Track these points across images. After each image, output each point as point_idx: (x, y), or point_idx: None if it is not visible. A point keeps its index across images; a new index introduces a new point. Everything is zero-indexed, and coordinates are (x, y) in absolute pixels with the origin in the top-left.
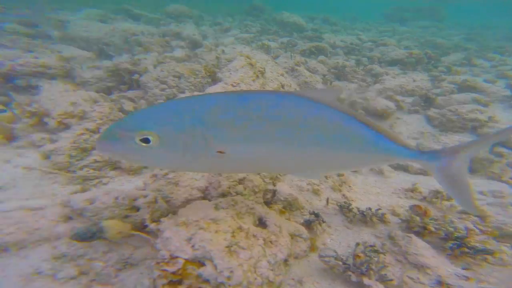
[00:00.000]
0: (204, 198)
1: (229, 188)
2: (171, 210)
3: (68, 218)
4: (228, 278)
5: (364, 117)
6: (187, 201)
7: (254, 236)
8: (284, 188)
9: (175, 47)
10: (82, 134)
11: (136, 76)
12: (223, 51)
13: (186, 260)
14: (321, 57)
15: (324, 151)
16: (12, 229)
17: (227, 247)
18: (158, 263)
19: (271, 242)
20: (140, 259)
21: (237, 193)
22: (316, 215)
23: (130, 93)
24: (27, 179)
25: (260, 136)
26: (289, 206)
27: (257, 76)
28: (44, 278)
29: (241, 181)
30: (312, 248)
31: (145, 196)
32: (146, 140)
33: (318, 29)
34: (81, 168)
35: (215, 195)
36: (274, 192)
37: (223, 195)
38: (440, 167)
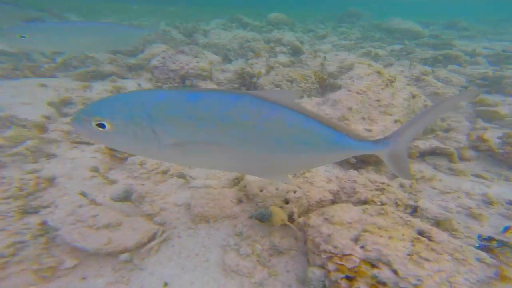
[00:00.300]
0: (334, 201)
1: (372, 196)
2: (308, 207)
3: (239, 201)
4: (416, 286)
5: (323, 117)
6: (320, 201)
7: (434, 249)
8: (428, 205)
9: (278, 53)
10: None
11: (254, 79)
12: (325, 57)
13: (362, 260)
14: (452, 66)
15: (284, 153)
16: (212, 205)
17: (408, 255)
18: (330, 257)
19: (458, 259)
20: (286, 248)
21: (381, 203)
22: (500, 241)
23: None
24: None
25: (209, 135)
26: (436, 225)
27: (386, 85)
28: (232, 252)
29: (382, 191)
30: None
31: (294, 191)
32: (102, 125)
33: (439, 35)
34: None
35: (346, 199)
36: (415, 208)
37: (364, 202)
38: (390, 152)
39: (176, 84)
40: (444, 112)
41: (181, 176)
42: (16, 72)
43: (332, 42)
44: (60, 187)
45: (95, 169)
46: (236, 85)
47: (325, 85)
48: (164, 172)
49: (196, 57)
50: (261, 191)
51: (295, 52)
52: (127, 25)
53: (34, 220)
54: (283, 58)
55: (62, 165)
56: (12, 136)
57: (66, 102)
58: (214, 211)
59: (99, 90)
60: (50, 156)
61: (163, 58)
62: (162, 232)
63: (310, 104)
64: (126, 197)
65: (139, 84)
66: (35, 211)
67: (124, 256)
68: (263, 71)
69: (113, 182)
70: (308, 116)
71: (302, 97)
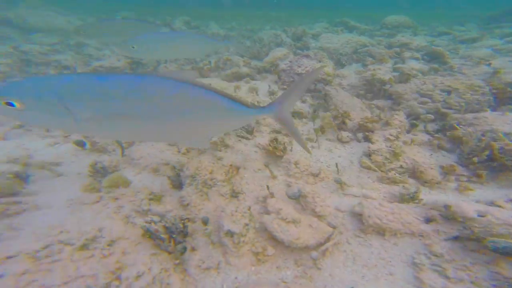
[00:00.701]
0: None
1: None
2: None
3: (428, 220)
4: None
5: (220, 90)
6: None
7: None
8: None
9: (407, 59)
10: (394, 140)
11: (386, 87)
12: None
13: None
14: None
15: (192, 120)
16: (391, 218)
17: None
18: None
19: None
20: None
21: None
22: None
23: (379, 102)
24: (350, 170)
25: (119, 110)
26: None
27: None
28: (432, 272)
29: None
30: None
31: None
32: (12, 104)
33: None
34: (389, 171)
35: None
36: None
37: None
38: (275, 115)
39: None
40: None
41: (338, 181)
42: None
43: (493, 46)
44: (241, 175)
45: (266, 164)
46: (361, 91)
47: (505, 98)
48: (315, 175)
49: (320, 61)
50: (482, 216)
51: (434, 57)
52: (207, 35)
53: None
54: (417, 65)
55: (235, 155)
56: None
57: None
58: (394, 225)
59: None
60: (226, 146)
61: (290, 62)
62: (335, 235)
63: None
64: (299, 195)
65: (269, 86)
66: (236, 195)
67: (314, 254)
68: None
69: (274, 178)
70: (208, 89)
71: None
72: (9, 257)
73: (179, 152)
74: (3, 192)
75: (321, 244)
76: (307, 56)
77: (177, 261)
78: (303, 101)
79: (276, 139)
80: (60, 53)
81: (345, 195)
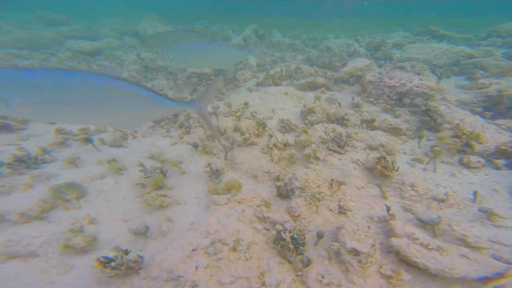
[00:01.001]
0: None
1: None
2: None
3: None
4: None
5: (144, 84)
6: None
7: None
8: None
9: None
10: None
11: None
12: None
13: None
14: None
15: (116, 109)
16: None
17: None
18: None
19: None
20: None
21: None
22: None
23: (508, 123)
24: (495, 200)
25: (47, 99)
26: None
27: None
28: None
29: None
30: None
31: None
32: None
33: None
34: None
35: None
36: None
37: None
38: (197, 110)
39: (391, 102)
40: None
41: (486, 211)
42: (266, 81)
43: None
44: (342, 191)
45: (379, 184)
46: (477, 109)
47: None
48: (440, 200)
49: (418, 74)
50: None
51: None
52: (232, 46)
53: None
54: None
55: (329, 170)
56: (301, 140)
57: (311, 111)
58: None
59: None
60: (316, 159)
61: (380, 73)
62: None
63: None
64: (438, 221)
65: (352, 98)
66: (343, 212)
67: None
68: None
69: (386, 198)
70: (133, 83)
71: None
72: (194, 250)
73: (272, 160)
74: (157, 186)
75: (489, 280)
76: (401, 67)
77: (299, 273)
78: (396, 116)
79: (384, 158)
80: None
81: (497, 227)
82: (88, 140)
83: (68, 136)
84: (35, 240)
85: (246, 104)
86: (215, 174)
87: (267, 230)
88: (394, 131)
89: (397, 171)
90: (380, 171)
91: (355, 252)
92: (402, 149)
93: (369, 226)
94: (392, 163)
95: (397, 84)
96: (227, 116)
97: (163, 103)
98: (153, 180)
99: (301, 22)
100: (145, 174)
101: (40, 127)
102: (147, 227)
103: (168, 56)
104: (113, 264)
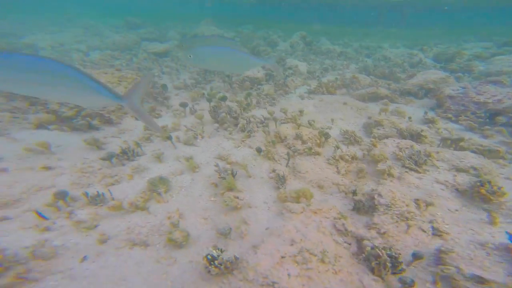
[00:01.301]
0: None
1: None
2: None
3: None
4: None
5: (92, 75)
6: None
7: None
8: None
9: None
10: None
11: None
12: None
13: None
14: None
15: (60, 89)
16: None
17: None
18: None
19: None
20: None
21: None
22: None
23: None
24: None
25: (21, 76)
26: None
27: None
28: None
29: None
30: None
31: None
32: None
33: None
34: None
35: None
36: None
37: None
38: (127, 104)
39: (480, 119)
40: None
41: None
42: (320, 89)
43: None
44: (431, 212)
45: (487, 209)
46: None
47: None
48: None
49: None
50: None
51: None
52: (249, 53)
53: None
54: None
55: (408, 188)
56: (374, 154)
57: (378, 124)
58: None
59: (375, 112)
60: (391, 175)
61: (464, 87)
62: None
63: None
64: None
65: (425, 112)
66: (439, 234)
67: None
68: None
69: (495, 224)
70: (83, 74)
71: None
72: (283, 257)
73: (338, 172)
74: (229, 187)
75: None
76: (496, 82)
77: None
78: (486, 136)
79: (490, 182)
80: None
81: None
82: (168, 138)
83: (150, 133)
84: (143, 230)
85: (301, 111)
86: (281, 180)
87: (349, 244)
88: (490, 153)
89: (504, 196)
90: (482, 195)
91: (478, 280)
92: (501, 174)
93: (489, 253)
94: (500, 188)
95: (490, 101)
96: (283, 122)
97: (100, 92)
98: (226, 182)
99: (350, 30)
100: (220, 174)
101: (131, 122)
102: (230, 229)
103: (190, 56)
104: (216, 262)
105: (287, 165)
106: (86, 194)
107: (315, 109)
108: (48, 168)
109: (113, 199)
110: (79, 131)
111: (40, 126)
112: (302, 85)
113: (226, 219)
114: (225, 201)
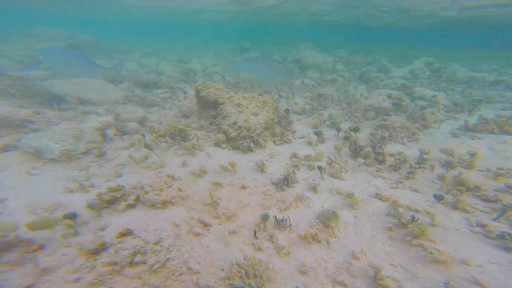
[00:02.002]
0: None
1: None
2: None
3: None
4: None
5: (92, 60)
6: None
7: None
8: None
9: None
10: None
11: None
12: None
13: None
14: None
15: (80, 69)
16: None
17: None
18: None
19: None
20: None
21: None
22: None
23: None
24: None
25: (60, 60)
26: None
27: None
28: None
29: None
30: None
31: None
32: None
33: None
34: None
35: None
36: None
37: None
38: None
39: None
40: None
41: None
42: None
43: None
44: None
45: None
46: None
47: None
48: None
49: None
50: None
51: None
52: (271, 69)
53: None
54: None
55: None
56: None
57: None
58: None
59: None
60: None
61: None
62: None
63: None
64: None
65: None
66: None
67: None
68: None
69: None
70: (87, 59)
71: None
72: None
73: None
74: (420, 234)
75: None
76: None
77: None
78: None
79: None
80: (323, 86)
81: None
82: (319, 169)
83: (298, 161)
84: (329, 265)
85: (474, 154)
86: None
87: None
88: None
89: None
90: None
91: None
92: None
93: None
94: None
95: None
96: (464, 167)
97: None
98: (418, 229)
99: (488, 54)
100: (401, 219)
101: (274, 146)
102: None
103: (228, 69)
104: None
105: (497, 220)
106: (275, 217)
107: (494, 153)
108: (243, 187)
109: (290, 225)
110: (237, 150)
111: (217, 144)
112: (447, 119)
113: (428, 271)
114: (431, 253)
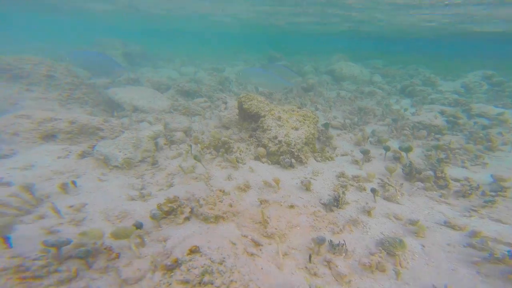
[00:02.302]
0: None
1: None
2: None
3: None
4: None
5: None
6: None
7: None
8: None
9: None
10: None
11: None
12: None
13: None
14: None
15: (104, 67)
16: None
17: None
18: None
19: None
20: None
21: None
22: None
23: None
24: None
25: (88, 59)
26: None
27: None
28: None
29: None
30: None
31: None
32: None
33: None
34: None
35: None
36: None
37: None
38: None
39: None
40: None
41: None
42: None
43: None
44: None
45: None
46: None
47: None
48: None
49: None
50: None
51: None
52: (281, 77)
53: None
54: None
55: None
56: None
57: None
58: None
59: None
60: None
61: None
62: None
63: None
64: None
65: None
66: None
67: None
68: None
69: None
70: (111, 59)
71: None
72: None
73: None
74: None
75: None
76: None
77: None
78: None
79: None
80: (360, 99)
81: None
82: (372, 191)
83: (346, 180)
84: None
85: None
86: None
87: None
88: None
89: None
90: None
91: None
92: None
93: None
94: None
95: None
96: None
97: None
98: None
99: None
100: (496, 253)
101: (316, 163)
102: None
103: (240, 74)
104: None
105: None
106: (330, 241)
107: None
108: (292, 206)
109: (347, 250)
110: (276, 164)
111: (257, 158)
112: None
113: None
114: None
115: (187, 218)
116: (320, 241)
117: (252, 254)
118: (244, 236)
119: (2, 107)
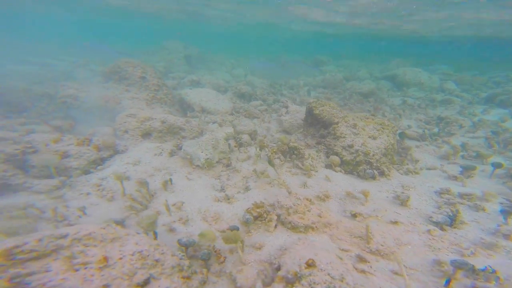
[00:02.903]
0: None
1: None
2: None
3: None
4: None
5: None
6: None
7: None
8: None
9: None
10: None
11: None
12: None
13: None
14: None
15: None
16: None
17: None
18: None
19: None
20: None
21: None
22: None
23: None
24: None
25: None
26: None
27: None
28: None
29: None
30: None
31: None
32: None
33: None
34: None
35: None
36: None
37: None
38: None
39: None
40: None
41: None
42: None
43: None
44: None
45: None
46: None
47: None
48: None
49: None
50: None
51: None
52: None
53: None
54: None
55: None
56: None
57: None
58: None
59: None
60: None
61: None
62: None
63: None
64: None
65: None
66: None
67: None
68: None
69: None
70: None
71: None
72: None
73: None
74: None
75: None
76: None
77: None
78: None
79: None
80: (432, 107)
81: None
82: (502, 213)
83: (452, 198)
84: None
85: None
86: None
87: None
88: None
89: None
90: None
91: None
92: None
93: None
94: None
95: None
96: None
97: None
98: None
99: None
100: None
101: (405, 179)
102: None
103: (247, 68)
104: None
105: None
106: (473, 267)
107: None
108: (396, 222)
109: (497, 278)
110: (351, 174)
111: (328, 166)
112: None
113: None
114: None
115: (275, 226)
116: (461, 266)
117: (363, 271)
118: (344, 250)
119: (111, 106)
